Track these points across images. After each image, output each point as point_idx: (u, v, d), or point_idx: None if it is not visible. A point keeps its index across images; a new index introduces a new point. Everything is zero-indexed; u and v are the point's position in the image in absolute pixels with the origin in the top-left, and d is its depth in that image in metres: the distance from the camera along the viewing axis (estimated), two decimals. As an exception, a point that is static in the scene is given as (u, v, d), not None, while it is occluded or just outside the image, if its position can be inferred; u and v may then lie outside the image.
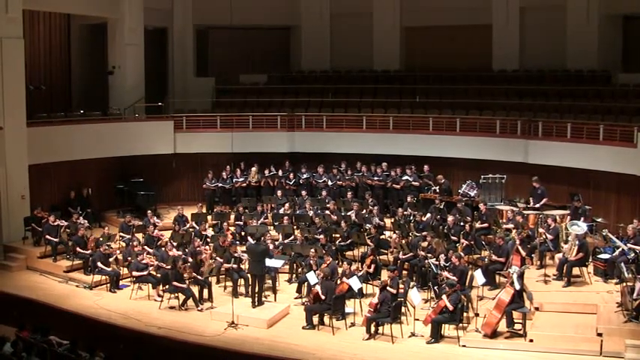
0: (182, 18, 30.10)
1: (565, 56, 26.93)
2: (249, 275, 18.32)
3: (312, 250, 18.93)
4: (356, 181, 24.75)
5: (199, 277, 18.33)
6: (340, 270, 18.14)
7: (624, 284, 16.18)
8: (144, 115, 27.30)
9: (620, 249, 17.89)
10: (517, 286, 15.52)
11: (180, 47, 30.24)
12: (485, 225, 20.84)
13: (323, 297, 16.48)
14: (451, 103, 26.90)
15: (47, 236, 21.11)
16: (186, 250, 19.72)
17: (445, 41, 29.15)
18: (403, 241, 19.73)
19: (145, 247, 20.63)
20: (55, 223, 21.24)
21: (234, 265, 18.84)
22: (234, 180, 25.44)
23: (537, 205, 21.31)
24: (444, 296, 15.73)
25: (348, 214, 21.81)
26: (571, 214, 20.13)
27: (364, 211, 22.42)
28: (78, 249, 20.48)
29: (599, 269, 18.32)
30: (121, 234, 21.84)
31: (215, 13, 28.99)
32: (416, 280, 18.83)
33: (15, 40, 22.10)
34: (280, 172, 25.55)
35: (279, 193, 24.53)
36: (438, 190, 23.15)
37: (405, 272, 19.40)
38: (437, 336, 15.55)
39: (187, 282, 18.20)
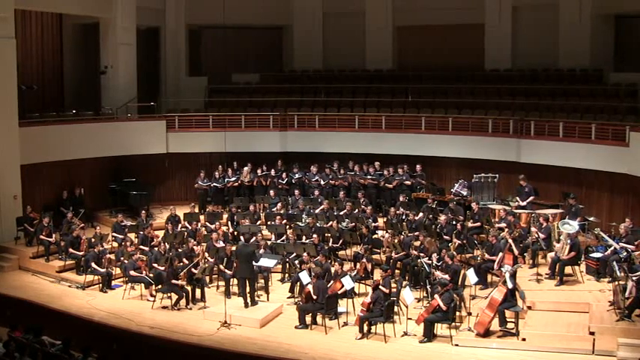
0: (174, 17, 30.07)
1: (557, 55, 27.01)
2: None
3: (305, 253, 18.95)
4: (349, 180, 24.75)
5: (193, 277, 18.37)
6: (333, 270, 18.18)
7: (616, 283, 16.19)
8: (136, 115, 27.27)
9: (612, 248, 17.95)
10: (510, 285, 15.56)
11: (172, 47, 30.21)
12: (478, 224, 20.88)
13: (315, 297, 16.49)
14: (443, 102, 26.93)
15: (41, 236, 21.06)
16: (179, 250, 19.70)
17: (438, 40, 29.22)
18: (396, 241, 19.76)
19: (141, 246, 20.69)
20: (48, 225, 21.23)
21: (227, 270, 18.82)
22: (226, 179, 25.41)
23: (524, 203, 21.38)
24: (436, 295, 15.76)
25: (343, 224, 21.79)
26: (566, 213, 20.18)
27: (357, 210, 22.44)
28: (70, 249, 20.45)
29: (591, 268, 18.34)
30: (114, 234, 21.82)
31: (207, 12, 28.93)
32: (408, 280, 18.85)
33: (7, 39, 22.06)
34: (273, 172, 25.53)
35: (271, 192, 24.52)
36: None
37: (397, 271, 19.43)
38: (430, 335, 15.56)
39: (181, 281, 18.22)
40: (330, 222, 21.52)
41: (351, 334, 16.07)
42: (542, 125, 23.59)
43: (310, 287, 16.68)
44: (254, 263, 18.16)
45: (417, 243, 19.44)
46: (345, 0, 30.32)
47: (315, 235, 20.52)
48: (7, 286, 19.73)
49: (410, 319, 16.16)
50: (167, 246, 20.04)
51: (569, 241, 17.86)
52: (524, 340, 15.16)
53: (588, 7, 26.23)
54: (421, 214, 21.68)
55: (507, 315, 15.62)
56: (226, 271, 18.80)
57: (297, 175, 25.24)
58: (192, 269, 18.33)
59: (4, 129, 22.00)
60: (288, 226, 21.87)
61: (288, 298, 18.59)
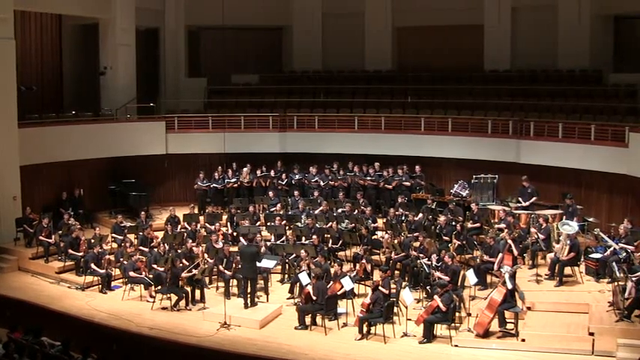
0: (174, 18, 30.08)
1: (556, 56, 27.01)
2: (241, 276, 18.35)
3: (303, 251, 18.95)
4: (348, 181, 24.74)
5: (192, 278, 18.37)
6: (332, 271, 18.20)
7: (616, 283, 16.21)
8: (136, 116, 27.28)
9: (611, 248, 17.96)
10: (509, 286, 15.56)
11: (171, 47, 30.22)
12: (477, 225, 20.89)
13: (314, 297, 16.49)
14: (443, 103, 26.91)
15: (41, 237, 21.04)
16: (179, 251, 19.71)
17: (437, 41, 29.21)
18: (395, 241, 19.77)
19: (141, 247, 20.70)
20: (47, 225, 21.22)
21: (227, 271, 18.84)
22: (225, 180, 25.40)
23: (526, 204, 21.37)
24: (435, 296, 15.76)
25: (343, 225, 21.79)
26: (564, 213, 20.19)
27: (356, 211, 22.44)
28: (70, 250, 20.45)
29: (590, 269, 18.37)
30: (114, 235, 21.81)
31: (207, 13, 28.92)
32: (408, 280, 18.86)
33: (6, 40, 22.07)
34: (272, 173, 25.53)
35: (271, 193, 24.52)
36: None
37: (397, 272, 19.44)
38: (429, 336, 15.56)
39: (181, 282, 18.22)
40: (330, 223, 21.50)
41: (351, 335, 16.06)
42: (541, 126, 23.57)
43: (310, 288, 16.68)
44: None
45: (417, 244, 19.44)
46: (345, 1, 30.33)
47: (314, 236, 20.54)
48: (7, 287, 19.72)
49: (409, 319, 16.15)
50: (166, 247, 20.04)
51: (568, 242, 17.89)
52: (523, 340, 15.16)
53: (587, 7, 26.23)
54: (420, 215, 21.68)
55: (507, 316, 15.60)
56: (226, 271, 18.82)
57: (296, 176, 25.24)
58: (193, 270, 18.34)
59: (3, 130, 22.00)
60: (287, 227, 21.88)
61: (288, 298, 18.58)
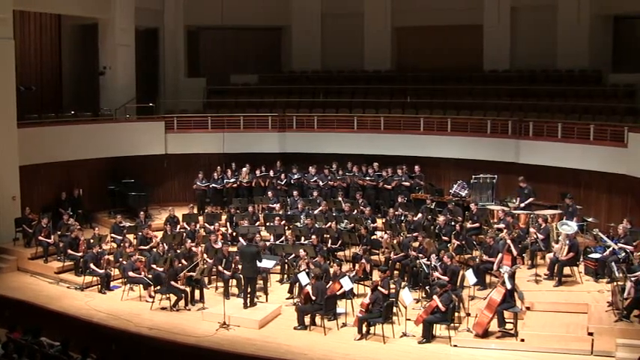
0: (173, 18, 30.07)
1: (556, 56, 27.01)
2: (241, 276, 18.35)
3: (302, 251, 18.95)
4: (347, 181, 24.73)
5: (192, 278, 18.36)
6: (332, 271, 18.20)
7: (615, 283, 16.23)
8: (135, 116, 27.27)
9: (610, 248, 17.96)
10: (508, 286, 15.55)
11: (171, 48, 30.20)
12: (477, 225, 20.89)
13: (314, 297, 16.48)
14: (442, 103, 26.90)
15: (40, 237, 21.03)
16: (178, 251, 19.70)
17: (436, 41, 29.20)
18: (394, 241, 19.75)
19: (140, 247, 20.69)
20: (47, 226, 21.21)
21: (226, 271, 18.84)
22: (225, 180, 25.39)
23: (522, 205, 21.37)
24: (435, 296, 15.76)
25: (342, 225, 21.77)
26: (564, 213, 20.20)
27: (355, 211, 22.44)
28: (69, 250, 20.43)
29: (590, 269, 18.36)
30: (113, 235, 21.80)
31: (206, 13, 28.94)
32: (407, 280, 18.86)
33: (5, 40, 22.05)
34: (271, 173, 25.51)
35: (270, 193, 24.51)
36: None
37: (396, 272, 19.44)
38: (428, 336, 15.56)
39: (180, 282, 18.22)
40: (329, 223, 21.50)
41: (350, 335, 16.06)
42: (540, 126, 23.58)
43: (309, 288, 16.68)
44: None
45: (416, 244, 19.46)
46: (344, 1, 30.31)
47: (313, 236, 20.53)
48: (6, 287, 19.71)
49: (409, 319, 16.14)
50: (165, 247, 20.04)
51: (567, 242, 17.89)
52: (522, 340, 15.16)
53: (587, 7, 26.24)
54: (420, 215, 21.68)
55: (506, 316, 15.60)
56: (225, 271, 18.82)
57: (295, 176, 25.22)
58: (191, 272, 18.31)
59: (2, 130, 21.99)
60: (286, 227, 21.88)
61: (287, 299, 18.58)
